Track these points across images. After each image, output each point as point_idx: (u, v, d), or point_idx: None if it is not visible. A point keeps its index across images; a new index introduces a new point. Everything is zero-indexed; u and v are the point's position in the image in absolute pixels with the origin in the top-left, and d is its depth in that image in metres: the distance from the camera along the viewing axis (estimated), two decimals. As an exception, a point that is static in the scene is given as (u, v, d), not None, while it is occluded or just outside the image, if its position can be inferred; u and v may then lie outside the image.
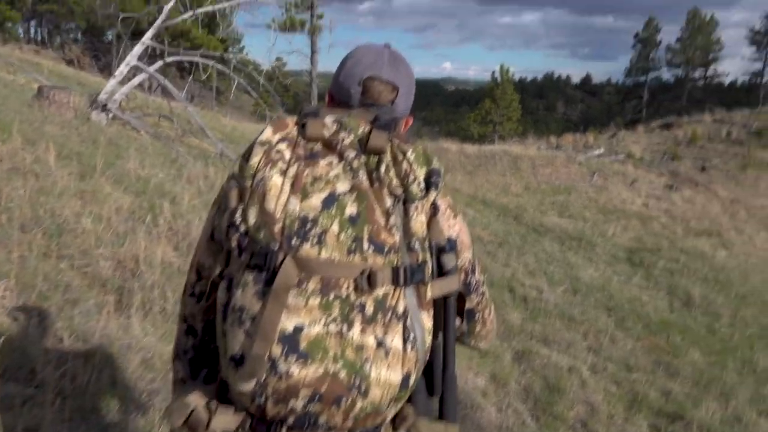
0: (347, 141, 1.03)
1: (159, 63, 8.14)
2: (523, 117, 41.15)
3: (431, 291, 1.04)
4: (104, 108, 7.61)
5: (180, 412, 1.05)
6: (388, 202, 1.00)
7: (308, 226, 0.97)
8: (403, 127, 1.27)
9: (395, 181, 1.02)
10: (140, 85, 13.95)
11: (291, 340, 0.94)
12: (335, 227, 0.97)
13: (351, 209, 0.98)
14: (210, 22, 9.91)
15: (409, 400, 1.10)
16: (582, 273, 8.49)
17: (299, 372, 0.94)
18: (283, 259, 0.95)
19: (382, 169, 1.02)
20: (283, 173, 1.00)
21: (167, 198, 5.47)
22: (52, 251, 3.52)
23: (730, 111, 27.02)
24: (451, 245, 1.14)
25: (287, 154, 1.02)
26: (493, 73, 37.92)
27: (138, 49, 7.86)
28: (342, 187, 0.99)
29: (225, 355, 1.00)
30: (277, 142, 1.03)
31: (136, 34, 8.60)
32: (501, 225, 10.38)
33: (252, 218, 0.98)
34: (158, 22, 7.91)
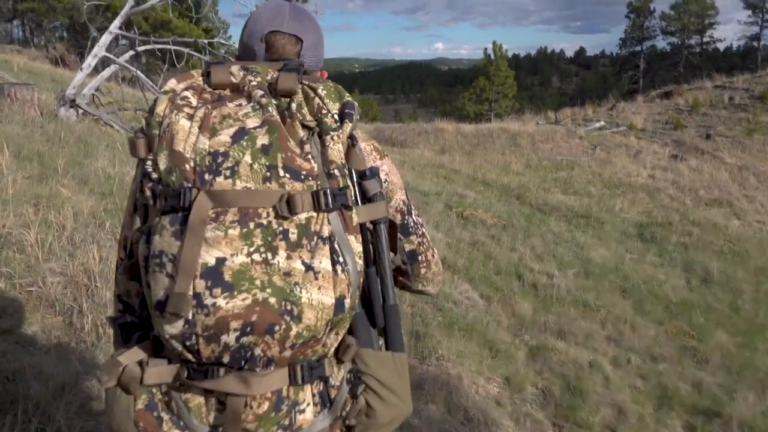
0: (254, 83, 1.02)
1: (129, 53, 7.58)
2: (519, 93, 40.39)
3: (357, 216, 1.02)
4: (73, 104, 7.07)
5: (111, 371, 1.00)
6: (302, 133, 0.99)
7: (219, 159, 0.94)
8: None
9: (308, 117, 1.01)
10: (123, 79, 13.34)
11: (214, 273, 0.91)
12: (247, 158, 0.94)
13: (262, 140, 0.95)
14: (194, 11, 9.30)
15: (351, 332, 1.07)
16: (593, 253, 8.00)
17: (226, 304, 0.90)
18: (197, 195, 0.92)
19: (294, 106, 1.01)
20: (190, 117, 0.97)
21: (137, 198, 4.96)
22: (-10, 269, 3.02)
23: (730, 76, 26.36)
24: (373, 171, 1.09)
25: (193, 100, 0.99)
26: (486, 50, 37.10)
27: (105, 38, 7.30)
28: (252, 123, 0.97)
29: (151, 305, 0.95)
30: (183, 90, 1.00)
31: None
32: (504, 206, 9.87)
33: (162, 164, 0.95)
34: (126, 8, 7.33)
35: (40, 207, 4.01)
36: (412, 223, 1.27)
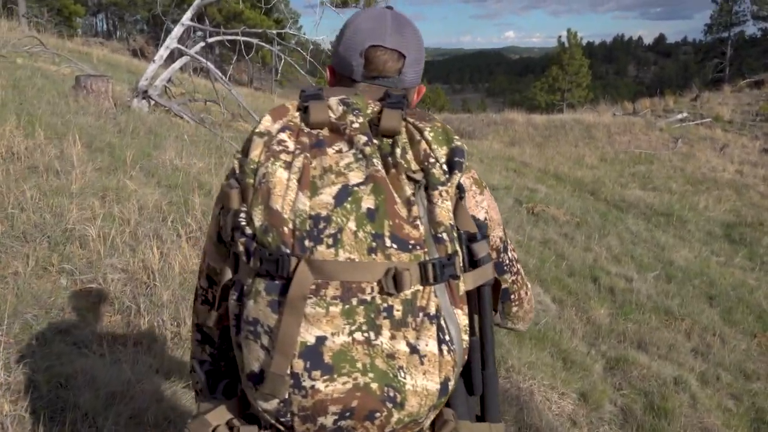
0: (356, 124, 0.93)
1: (200, 44, 7.64)
2: (593, 83, 38.85)
3: (464, 285, 0.94)
4: (145, 95, 7.19)
5: (200, 431, 0.96)
6: (408, 190, 0.90)
7: (321, 225, 0.86)
8: (415, 98, 1.16)
9: (414, 165, 0.92)
10: (194, 70, 13.65)
11: (313, 354, 0.85)
12: (352, 224, 0.86)
13: (368, 203, 0.87)
14: (264, 2, 9.28)
15: (448, 403, 1.00)
16: (675, 255, 7.47)
17: (325, 387, 0.85)
18: (297, 264, 0.85)
19: (398, 152, 0.91)
20: (288, 166, 0.89)
21: (203, 191, 4.93)
22: (53, 264, 3.01)
23: (831, 63, 24.27)
24: (482, 231, 1.03)
25: (290, 144, 0.91)
26: (560, 38, 35.85)
27: (177, 30, 7.37)
28: (355, 178, 0.88)
29: (243, 370, 0.91)
30: (278, 132, 0.92)
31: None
32: (577, 202, 9.40)
33: (258, 220, 0.88)
34: (197, 0, 7.37)
35: (107, 200, 4.02)
36: (507, 261, 1.18)
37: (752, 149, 15.35)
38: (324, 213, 0.86)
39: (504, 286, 1.17)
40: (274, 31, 7.98)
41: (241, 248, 0.89)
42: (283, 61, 8.48)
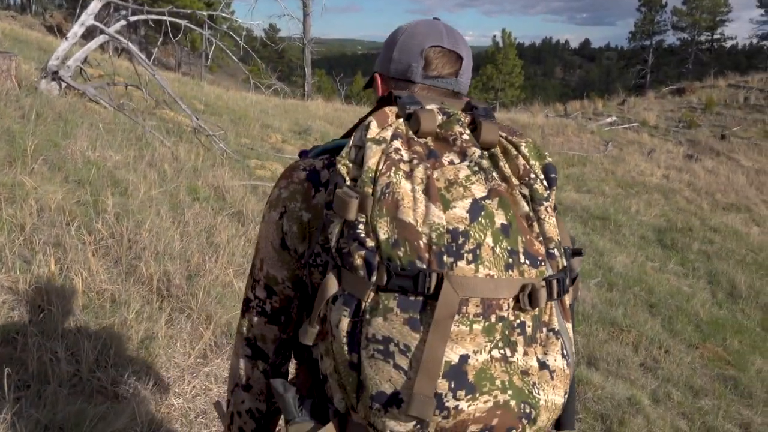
0: (466, 136, 0.90)
1: (121, 22, 6.91)
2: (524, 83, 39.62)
3: (568, 299, 0.94)
4: (55, 76, 6.42)
5: None
6: (525, 205, 0.89)
7: (460, 240, 0.82)
8: None
9: (514, 180, 0.90)
10: (115, 51, 12.62)
11: (458, 373, 0.81)
12: (489, 240, 0.83)
13: (500, 218, 0.85)
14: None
15: None
16: (613, 261, 7.44)
17: (468, 407, 0.82)
18: (439, 281, 0.81)
19: (502, 165, 0.89)
20: (409, 177, 0.85)
21: (118, 188, 4.35)
22: None
23: (745, 75, 25.71)
24: (582, 249, 1.01)
25: (405, 154, 0.87)
26: (494, 37, 36.31)
27: (94, 5, 6.62)
28: (479, 191, 0.86)
29: (358, 390, 0.86)
30: (391, 139, 0.87)
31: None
32: (516, 204, 9.30)
33: (383, 233, 0.83)
34: (118, -27, 6.65)
35: (-2, 199, 3.40)
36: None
37: (677, 155, 15.88)
38: (462, 228, 0.83)
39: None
40: (205, 13, 7.35)
41: (358, 261, 0.84)
42: (213, 46, 7.86)
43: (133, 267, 3.20)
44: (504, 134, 0.93)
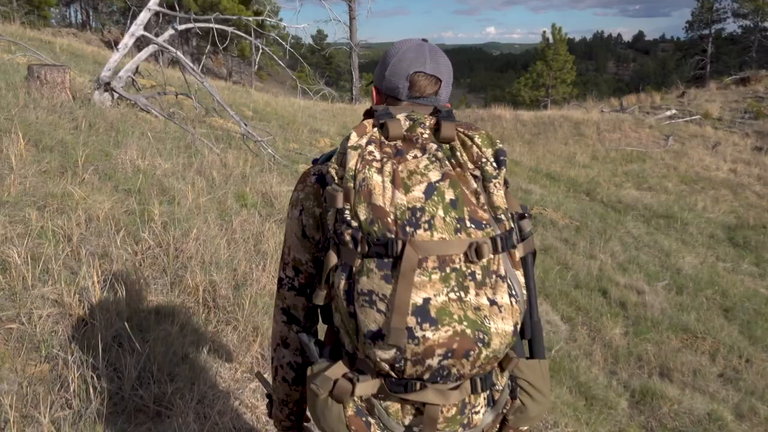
0: (425, 135, 1.17)
1: (169, 32, 6.96)
2: (576, 79, 38.50)
3: (519, 252, 1.20)
4: (107, 87, 6.50)
5: (324, 384, 1.17)
6: (474, 183, 1.14)
7: (418, 214, 1.09)
8: None
9: (470, 165, 1.16)
10: (166, 62, 12.86)
11: (422, 311, 1.07)
12: (440, 212, 1.10)
13: (449, 195, 1.11)
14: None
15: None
16: (680, 261, 7.00)
17: (433, 335, 1.07)
18: (403, 245, 1.07)
19: (458, 154, 1.16)
20: (380, 171, 1.11)
21: (165, 197, 4.30)
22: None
23: (815, 60, 24.15)
24: (527, 212, 1.29)
25: (377, 154, 1.14)
26: (544, 33, 35.39)
27: (143, 15, 6.68)
28: (434, 176, 1.12)
29: (357, 332, 1.12)
30: (366, 144, 1.15)
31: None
32: (574, 203, 8.90)
33: (363, 214, 1.10)
34: (166, -18, 6.68)
35: (47, 210, 3.38)
36: None
37: (744, 147, 15.03)
38: (418, 205, 1.10)
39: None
40: (251, 19, 7.32)
41: (347, 237, 1.11)
42: (260, 52, 7.83)
43: (179, 277, 3.11)
44: (462, 129, 1.19)
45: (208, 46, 7.88)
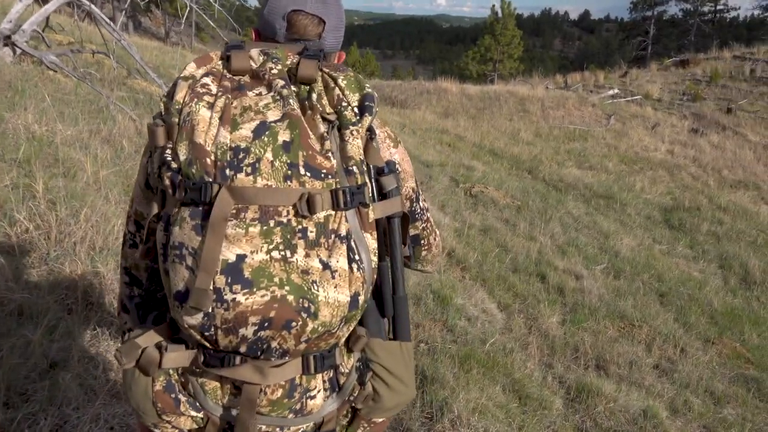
0: (275, 71, 1.01)
1: (82, -19, 6.24)
2: (523, 55, 38.58)
3: (373, 213, 1.03)
4: (7, 41, 5.78)
5: (130, 353, 1.03)
6: (322, 127, 0.98)
7: (241, 155, 0.94)
8: (335, 61, 1.23)
9: (328, 108, 1.01)
10: (85, 16, 11.85)
11: (234, 270, 0.92)
12: (269, 155, 0.94)
13: (284, 136, 0.95)
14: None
15: (361, 322, 1.11)
16: (619, 244, 6.93)
17: (246, 300, 0.92)
18: (219, 191, 0.92)
19: (314, 97, 1.00)
20: (211, 106, 0.96)
21: (60, 170, 3.78)
22: None
23: (750, 46, 24.91)
24: (390, 168, 1.10)
25: (213, 88, 0.98)
26: (493, 7, 35.19)
27: (51, -39, 5.96)
28: (273, 116, 0.96)
29: (170, 292, 0.97)
30: (202, 77, 1.00)
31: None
32: (516, 182, 8.73)
33: (182, 154, 0.95)
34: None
35: None
36: (418, 210, 1.30)
37: (681, 129, 15.30)
38: (243, 145, 0.93)
39: (415, 232, 1.32)
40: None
41: (167, 182, 0.95)
42: (193, 12, 7.19)
43: (59, 267, 2.66)
44: (327, 70, 1.01)
45: (127, 2, 7.16)
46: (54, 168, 3.73)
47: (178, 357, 1.02)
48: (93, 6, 6.18)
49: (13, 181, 3.38)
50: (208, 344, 0.97)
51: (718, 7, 53.38)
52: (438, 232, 1.38)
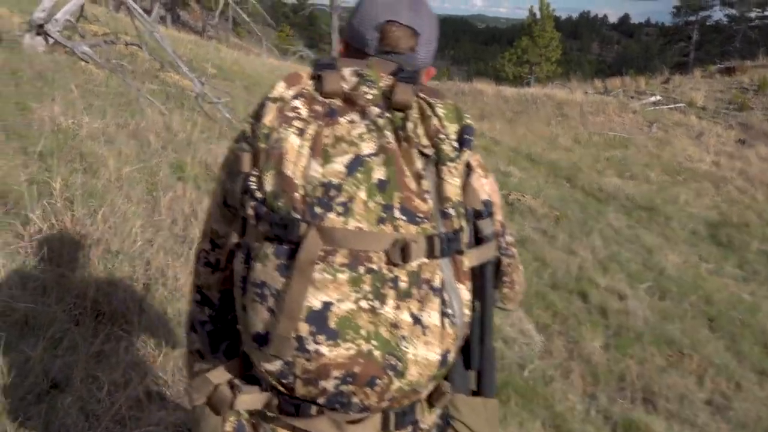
0: (369, 96, 0.93)
1: (117, -29, 6.13)
2: (561, 58, 37.85)
3: (468, 260, 0.94)
4: (40, 31, 5.69)
5: (202, 389, 0.98)
6: (419, 164, 0.91)
7: (332, 192, 0.87)
8: (425, 79, 1.13)
9: (424, 140, 0.92)
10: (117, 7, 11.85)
11: (319, 318, 0.86)
12: (362, 194, 0.87)
13: (379, 173, 0.88)
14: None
15: (446, 376, 1.02)
16: (663, 260, 6.55)
17: (329, 352, 0.86)
18: (306, 230, 0.86)
19: (409, 126, 0.92)
20: (301, 133, 0.89)
21: (82, 164, 3.62)
22: None
23: (801, 55, 23.89)
24: (488, 209, 1.04)
25: (304, 112, 0.91)
26: (531, 8, 34.55)
27: (87, -50, 5.85)
28: (367, 148, 0.89)
29: (247, 331, 0.92)
30: (292, 98, 0.92)
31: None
32: (554, 190, 8.40)
33: (269, 185, 0.89)
34: None
35: None
36: (504, 244, 1.18)
37: (727, 139, 14.68)
38: (335, 181, 0.87)
39: (500, 268, 1.18)
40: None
41: (250, 212, 0.89)
42: (224, 5, 7.04)
43: (69, 272, 2.47)
44: (423, 95, 0.93)
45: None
46: (75, 163, 3.57)
47: (251, 399, 0.96)
48: (127, -4, 6.05)
49: (32, 176, 3.22)
50: (284, 390, 0.92)
51: (765, 13, 51.66)
52: (522, 268, 1.24)
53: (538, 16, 33.61)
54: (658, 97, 18.23)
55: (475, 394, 1.07)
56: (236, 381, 0.98)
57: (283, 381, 0.90)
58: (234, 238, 0.95)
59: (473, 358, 1.05)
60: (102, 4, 11.13)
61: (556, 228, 6.63)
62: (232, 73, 9.70)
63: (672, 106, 17.36)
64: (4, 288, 2.17)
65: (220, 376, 0.99)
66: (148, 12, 6.46)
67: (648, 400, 3.66)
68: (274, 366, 0.89)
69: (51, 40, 5.83)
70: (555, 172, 9.87)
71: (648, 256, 6.64)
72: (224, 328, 1.11)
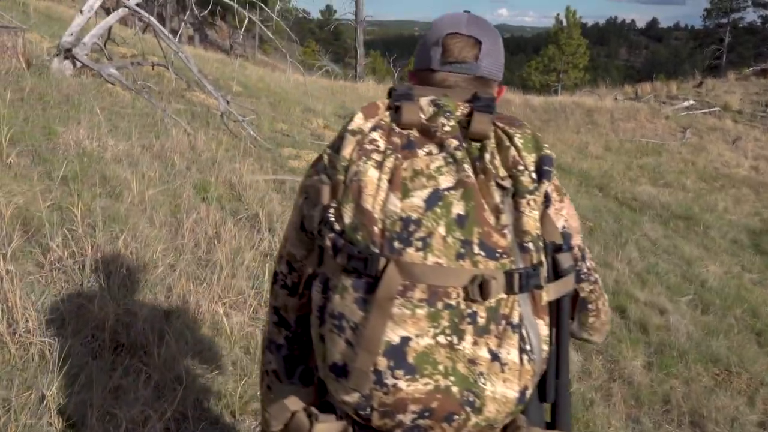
0: (447, 127, 0.93)
1: (142, -7, 6.20)
2: (588, 64, 37.38)
3: (547, 295, 0.94)
4: (68, 54, 5.75)
5: (280, 417, 1.01)
6: (497, 197, 0.90)
7: (411, 227, 0.88)
8: (496, 95, 1.13)
9: (502, 171, 0.92)
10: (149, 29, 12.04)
11: (397, 353, 0.87)
12: (441, 229, 0.88)
13: (458, 208, 0.88)
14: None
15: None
16: (704, 272, 6.28)
17: (407, 387, 0.87)
18: (385, 264, 0.87)
19: (487, 157, 0.92)
20: (379, 166, 0.90)
21: (104, 189, 3.59)
22: None
23: (840, 53, 23.13)
24: (567, 243, 1.03)
25: (381, 144, 0.92)
26: (558, 16, 34.27)
27: (112, -26, 5.93)
28: (446, 182, 0.90)
29: (324, 360, 0.94)
30: (370, 130, 0.94)
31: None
32: (586, 200, 8.17)
33: (347, 217, 0.90)
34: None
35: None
36: (585, 270, 1.12)
37: (765, 143, 14.22)
38: (415, 216, 0.87)
39: (582, 295, 1.13)
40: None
41: (328, 243, 0.90)
42: (256, 25, 7.05)
43: (87, 302, 2.40)
44: (501, 125, 0.93)
45: (186, 13, 7.10)
46: (99, 187, 3.53)
47: (328, 428, 0.97)
48: (152, 18, 6.10)
49: (54, 201, 3.19)
50: (360, 421, 0.93)
51: (801, 13, 50.27)
52: (606, 297, 1.18)
53: (565, 23, 33.31)
54: (691, 102, 17.79)
55: (549, 426, 1.06)
56: (313, 409, 0.99)
57: (360, 412, 0.91)
58: (311, 266, 0.97)
59: (549, 392, 1.02)
60: (131, 26, 11.32)
61: (590, 239, 6.41)
62: (258, 90, 9.73)
63: (706, 110, 16.92)
64: (21, 322, 2.11)
65: (296, 403, 1.01)
66: (176, 32, 6.52)
67: (696, 423, 3.44)
68: (352, 397, 0.90)
69: (78, 64, 5.89)
70: (586, 181, 9.63)
71: (687, 267, 6.37)
72: (300, 353, 1.12)
